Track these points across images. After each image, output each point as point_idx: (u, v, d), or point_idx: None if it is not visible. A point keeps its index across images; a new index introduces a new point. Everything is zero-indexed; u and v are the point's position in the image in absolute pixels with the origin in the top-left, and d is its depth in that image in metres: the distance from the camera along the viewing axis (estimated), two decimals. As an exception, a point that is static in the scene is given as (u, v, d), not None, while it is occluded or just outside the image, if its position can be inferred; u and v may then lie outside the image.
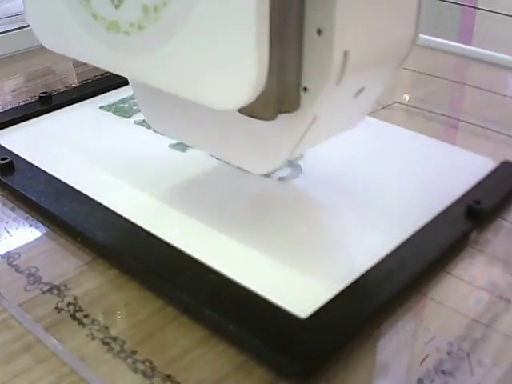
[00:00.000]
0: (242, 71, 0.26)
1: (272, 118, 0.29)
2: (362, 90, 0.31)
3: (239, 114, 0.29)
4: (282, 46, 0.27)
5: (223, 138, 0.34)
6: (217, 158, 0.41)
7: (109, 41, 0.31)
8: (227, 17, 0.26)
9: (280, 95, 0.28)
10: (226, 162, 0.38)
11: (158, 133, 0.40)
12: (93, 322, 0.30)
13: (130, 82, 0.38)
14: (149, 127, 0.46)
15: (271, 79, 0.27)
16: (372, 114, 0.47)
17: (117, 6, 0.30)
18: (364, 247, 0.33)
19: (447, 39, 0.62)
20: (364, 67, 0.29)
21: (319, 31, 0.26)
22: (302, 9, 0.26)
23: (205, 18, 0.27)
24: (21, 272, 0.33)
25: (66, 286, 0.32)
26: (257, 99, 0.27)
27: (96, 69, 0.59)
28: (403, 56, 0.32)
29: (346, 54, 0.27)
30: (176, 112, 0.36)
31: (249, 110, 0.28)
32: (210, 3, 0.26)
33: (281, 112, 0.29)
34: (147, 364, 0.27)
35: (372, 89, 0.32)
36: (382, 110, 0.50)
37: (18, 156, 0.42)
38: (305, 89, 0.28)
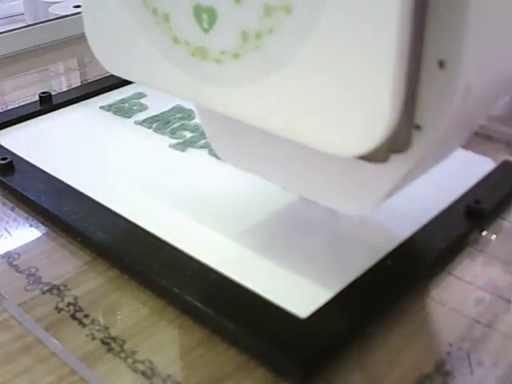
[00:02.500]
0: (377, 111, 0.22)
1: (385, 159, 0.25)
2: (469, 122, 0.29)
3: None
4: None
5: (310, 175, 0.30)
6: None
7: (192, 68, 0.27)
8: (359, 47, 0.21)
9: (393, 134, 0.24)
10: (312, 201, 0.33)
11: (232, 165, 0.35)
12: (93, 322, 0.30)
13: (196, 109, 0.33)
14: (149, 127, 0.46)
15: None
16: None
17: (206, 30, 0.25)
18: (364, 247, 0.33)
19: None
20: (480, 101, 0.26)
21: (441, 63, 0.23)
22: (421, 39, 0.23)
23: (325, 48, 0.22)
24: (21, 272, 0.33)
25: (65, 285, 0.32)
26: None
27: (96, 69, 0.59)
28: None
29: (467, 88, 0.23)
30: (253, 145, 0.32)
31: None
32: (334, 28, 0.22)
33: (390, 152, 0.25)
34: (147, 364, 0.28)
35: (476, 121, 0.30)
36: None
37: (18, 156, 0.42)
38: (417, 127, 0.24)
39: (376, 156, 0.25)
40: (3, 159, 0.41)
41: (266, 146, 0.31)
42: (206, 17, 0.25)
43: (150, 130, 0.46)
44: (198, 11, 0.25)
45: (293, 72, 0.23)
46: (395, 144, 0.25)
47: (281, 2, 0.23)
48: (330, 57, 0.22)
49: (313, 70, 0.23)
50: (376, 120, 0.22)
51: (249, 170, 0.34)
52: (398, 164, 0.26)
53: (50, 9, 0.74)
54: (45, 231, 0.36)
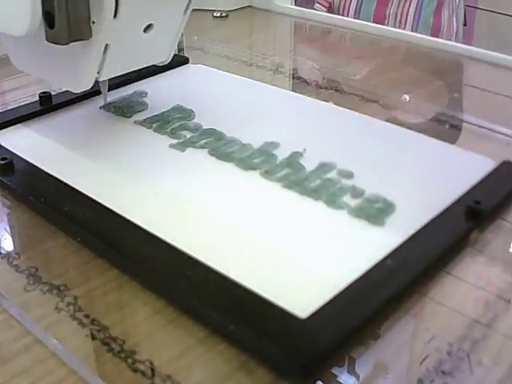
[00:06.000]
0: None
1: (65, 42, 0.38)
2: (151, 26, 0.43)
3: (58, 46, 0.38)
4: None
5: (50, 64, 0.43)
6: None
7: None
8: None
9: (73, 27, 0.38)
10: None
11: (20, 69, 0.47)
12: (93, 321, 0.30)
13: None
14: (149, 127, 0.46)
15: (63, 15, 0.37)
16: (372, 114, 0.47)
17: None
18: (364, 247, 0.33)
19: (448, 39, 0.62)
20: (140, 5, 0.40)
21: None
22: None
23: None
24: (21, 272, 0.33)
25: (65, 286, 0.32)
26: (56, 30, 0.38)
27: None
28: None
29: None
30: (27, 50, 0.44)
31: (52, 38, 0.38)
32: None
33: (77, 40, 0.38)
34: (147, 364, 0.28)
35: (163, 26, 0.43)
36: (383, 110, 0.50)
37: (18, 156, 0.42)
38: (93, 22, 0.39)
39: (60, 40, 0.38)
40: (3, 159, 0.41)
41: (31, 50, 0.43)
42: None
43: (150, 130, 0.46)
44: None
45: None
46: (80, 33, 0.38)
47: None
48: None
49: None
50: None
51: (26, 70, 0.47)
52: (90, 50, 0.40)
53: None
54: (45, 231, 0.36)
